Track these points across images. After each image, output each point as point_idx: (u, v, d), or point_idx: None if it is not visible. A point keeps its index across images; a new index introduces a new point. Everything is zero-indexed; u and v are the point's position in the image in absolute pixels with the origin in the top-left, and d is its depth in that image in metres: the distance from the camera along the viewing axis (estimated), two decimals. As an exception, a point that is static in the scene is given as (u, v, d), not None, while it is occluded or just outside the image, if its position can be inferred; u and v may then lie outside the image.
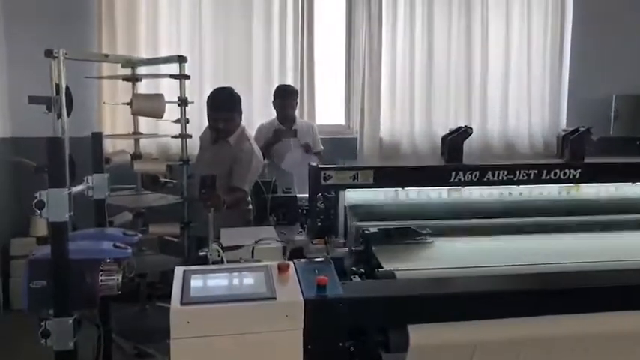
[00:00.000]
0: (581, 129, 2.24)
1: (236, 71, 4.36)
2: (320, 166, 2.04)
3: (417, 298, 1.60)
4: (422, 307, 1.59)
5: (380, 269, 1.76)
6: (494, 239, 2.08)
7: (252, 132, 3.94)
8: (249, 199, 2.87)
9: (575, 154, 2.20)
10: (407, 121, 4.71)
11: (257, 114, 4.34)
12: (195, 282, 1.56)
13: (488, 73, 4.84)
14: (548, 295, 1.73)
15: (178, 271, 1.62)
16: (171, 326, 1.44)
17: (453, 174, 2.07)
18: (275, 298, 1.52)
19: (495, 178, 2.10)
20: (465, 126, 2.17)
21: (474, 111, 4.82)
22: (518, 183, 2.12)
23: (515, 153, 4.89)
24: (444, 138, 2.19)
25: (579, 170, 2.14)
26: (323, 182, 2.01)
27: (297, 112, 4.11)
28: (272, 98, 4.01)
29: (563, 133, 2.30)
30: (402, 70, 4.69)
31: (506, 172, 2.10)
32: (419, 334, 1.57)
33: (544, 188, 2.21)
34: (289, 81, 4.39)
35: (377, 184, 2.03)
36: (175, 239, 3.01)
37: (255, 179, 2.73)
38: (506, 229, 2.13)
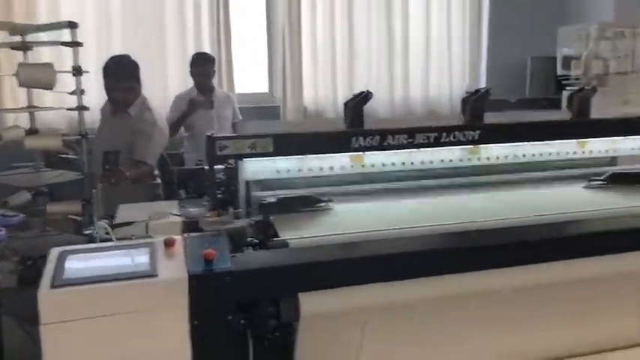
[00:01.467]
0: (482, 90, 2.26)
1: (147, 39, 4.16)
2: (215, 135, 1.96)
3: (306, 266, 1.57)
4: (312, 275, 1.57)
5: (274, 239, 1.73)
6: (398, 202, 2.08)
7: (168, 103, 3.79)
8: (156, 172, 2.76)
9: (474, 115, 2.22)
10: (330, 88, 4.67)
11: (173, 84, 4.17)
12: (71, 263, 1.47)
13: (409, 38, 4.85)
14: (443, 254, 1.75)
15: (54, 252, 1.52)
16: (41, 312, 1.35)
17: (354, 139, 2.04)
18: (156, 276, 1.45)
19: (395, 142, 2.08)
20: (367, 91, 2.14)
21: (395, 76, 4.83)
22: (419, 146, 2.12)
23: (438, 118, 4.96)
24: (345, 104, 2.15)
25: (478, 132, 2.16)
26: (218, 152, 1.93)
27: (215, 82, 3.98)
28: (189, 67, 3.86)
29: (465, 95, 2.31)
30: (323, 37, 4.62)
31: (406, 136, 2.09)
32: (310, 303, 1.55)
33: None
34: (206, 49, 4.24)
35: (277, 152, 1.97)
36: (78, 217, 2.87)
37: (161, 151, 2.62)
38: (409, 192, 2.14)
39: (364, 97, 2.11)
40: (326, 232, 1.80)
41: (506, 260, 1.80)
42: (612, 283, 1.97)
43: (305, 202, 1.92)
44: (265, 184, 2.08)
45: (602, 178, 2.24)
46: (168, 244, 1.58)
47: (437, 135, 2.13)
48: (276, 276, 1.56)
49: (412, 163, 2.17)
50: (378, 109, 4.78)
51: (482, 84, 5.19)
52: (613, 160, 2.51)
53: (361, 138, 2.05)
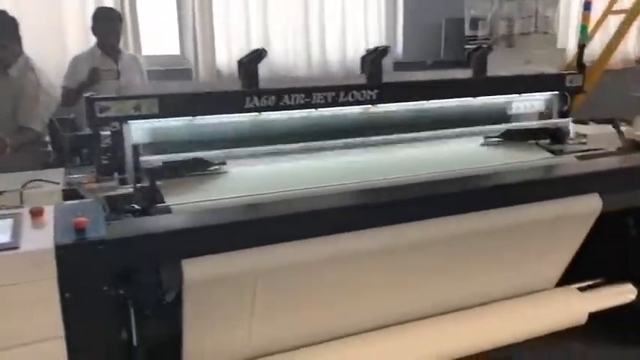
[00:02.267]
0: (380, 49, 2.23)
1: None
2: (95, 96, 1.83)
3: (187, 231, 1.51)
4: (193, 240, 1.51)
5: (157, 205, 1.64)
6: (296, 164, 2.03)
7: (66, 64, 3.53)
8: (47, 139, 2.57)
9: (373, 74, 2.19)
10: (244, 50, 4.49)
11: (72, 44, 3.88)
12: None
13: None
14: (339, 212, 1.73)
15: None
16: None
17: (248, 99, 1.96)
18: (17, 248, 1.34)
19: (292, 102, 2.03)
20: (261, 48, 2.06)
21: (312, 38, 4.74)
22: (316, 106, 2.07)
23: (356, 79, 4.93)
24: (239, 62, 2.06)
25: (376, 91, 2.14)
26: (99, 114, 1.81)
27: (121, 43, 3.73)
28: (90, 24, 3.59)
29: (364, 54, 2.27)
30: (235, -6, 4.44)
31: (303, 96, 2.04)
32: (193, 269, 1.49)
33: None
34: (108, 4, 3.96)
35: (163, 113, 1.87)
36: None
37: (50, 116, 2.43)
38: (307, 153, 2.09)
39: (258, 54, 2.03)
40: (215, 196, 1.74)
41: (404, 216, 1.81)
42: (512, 234, 2.04)
43: (195, 166, 1.84)
44: (160, 148, 1.97)
45: (497, 135, 2.29)
46: (35, 213, 1.46)
47: (334, 94, 2.09)
48: (155, 243, 1.48)
49: (310, 124, 2.13)
50: (295, 71, 4.70)
51: (399, 46, 5.20)
52: (510, 117, 2.57)
53: (255, 98, 1.98)
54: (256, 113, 2.01)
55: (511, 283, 2.18)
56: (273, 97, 1.99)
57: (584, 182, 2.03)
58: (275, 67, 4.51)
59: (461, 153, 2.22)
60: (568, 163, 2.12)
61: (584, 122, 3.07)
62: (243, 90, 1.98)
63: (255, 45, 4.53)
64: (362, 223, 1.75)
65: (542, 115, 2.60)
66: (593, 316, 2.25)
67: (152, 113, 1.84)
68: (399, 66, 4.86)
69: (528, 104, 2.52)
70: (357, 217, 1.76)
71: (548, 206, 1.97)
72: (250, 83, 2.00)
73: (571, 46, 5.42)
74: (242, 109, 1.97)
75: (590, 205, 2.05)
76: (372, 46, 5.09)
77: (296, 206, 1.69)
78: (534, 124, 2.38)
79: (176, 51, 4.50)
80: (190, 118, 1.94)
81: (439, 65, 5.05)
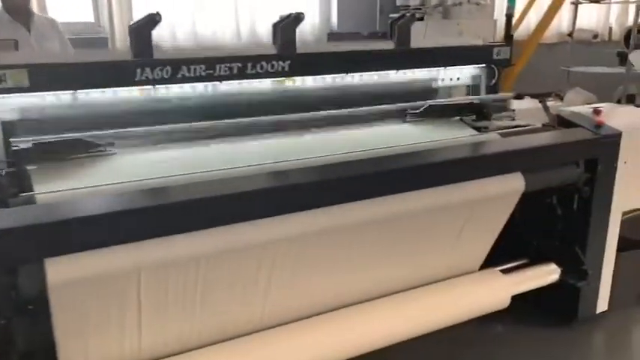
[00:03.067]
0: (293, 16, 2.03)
1: None
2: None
3: (53, 226, 1.29)
4: (59, 236, 1.29)
5: (20, 195, 1.41)
6: (197, 145, 1.82)
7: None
8: None
9: (285, 44, 1.99)
10: (167, 16, 4.20)
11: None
12: None
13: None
14: (242, 198, 1.55)
15: None
16: None
17: (139, 71, 1.73)
18: None
19: (192, 74, 1.81)
20: (155, 12, 1.82)
21: (241, 7, 4.47)
22: (220, 79, 1.86)
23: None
24: (129, 28, 1.82)
25: (288, 62, 1.95)
26: (-46, 88, 1.54)
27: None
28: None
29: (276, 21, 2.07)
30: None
31: (203, 67, 1.82)
32: (58, 269, 1.28)
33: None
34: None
35: (34, 87, 1.61)
36: None
37: None
38: (211, 132, 1.88)
39: (151, 19, 1.79)
40: (97, 182, 1.52)
41: (315, 201, 1.65)
42: (430, 216, 1.91)
43: (75, 148, 1.60)
44: (41, 128, 1.71)
45: (419, 111, 2.15)
46: None
47: (241, 66, 1.88)
48: (9, 240, 1.26)
49: (214, 100, 1.92)
50: (223, 44, 4.43)
51: (334, 17, 5.00)
52: (435, 91, 2.45)
53: (148, 69, 1.75)
54: (150, 87, 1.79)
55: (433, 268, 2.08)
56: (168, 69, 1.77)
57: (505, 161, 1.92)
58: (201, 38, 4.23)
59: (380, 131, 2.07)
60: (489, 141, 2.00)
61: (520, 97, 3.00)
62: (132, 60, 1.75)
63: (181, 12, 4.24)
64: (265, 210, 1.58)
65: (471, 90, 2.50)
66: (520, 298, 2.20)
67: (21, 86, 1.59)
68: (333, 37, 4.67)
69: (454, 78, 2.40)
70: (261, 204, 1.58)
71: (468, 187, 1.86)
72: (142, 52, 1.77)
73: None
74: (132, 82, 1.74)
75: (513, 185, 1.95)
76: (306, 20, 4.88)
77: (187, 193, 1.50)
78: (458, 99, 2.26)
79: (90, 18, 4.14)
80: (72, 92, 1.69)
81: (375, 37, 4.90)
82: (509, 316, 2.25)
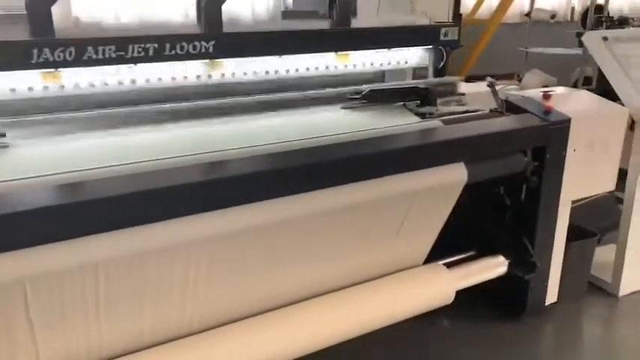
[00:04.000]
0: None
1: None
2: None
3: None
4: None
5: None
6: (103, 135, 1.63)
7: None
8: None
9: (209, 22, 1.81)
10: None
11: None
12: None
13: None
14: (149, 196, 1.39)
15: None
16: None
17: (35, 52, 1.54)
18: None
19: (100, 56, 1.62)
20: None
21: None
22: (133, 61, 1.68)
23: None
24: (25, 2, 1.62)
25: (212, 42, 1.77)
26: None
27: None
28: None
29: None
30: None
31: (113, 48, 1.63)
32: None
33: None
34: None
35: None
36: None
37: None
38: (122, 120, 1.68)
39: (52, -6, 1.60)
40: None
41: (241, 196, 1.50)
42: (370, 209, 1.78)
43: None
44: None
45: (358, 96, 2.00)
46: None
47: (157, 46, 1.70)
48: None
49: (124, 84, 1.72)
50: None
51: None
52: (380, 76, 2.30)
53: (47, 50, 1.55)
54: (51, 70, 1.59)
55: (374, 263, 1.96)
56: (72, 50, 1.58)
57: (446, 150, 1.80)
58: (147, 19, 3.96)
59: (314, 119, 1.91)
60: (430, 129, 1.87)
61: (470, 80, 2.88)
62: (30, 40, 1.55)
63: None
64: (181, 208, 1.42)
65: (417, 73, 2.36)
66: (467, 291, 2.10)
67: None
68: (287, 15, 4.45)
69: (400, 60, 2.25)
70: (176, 201, 1.42)
71: (406, 178, 1.73)
72: (40, 31, 1.58)
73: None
74: (28, 65, 1.54)
75: (454, 176, 1.83)
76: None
77: (84, 192, 1.33)
78: (399, 83, 2.12)
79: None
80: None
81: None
82: (456, 311, 2.16)
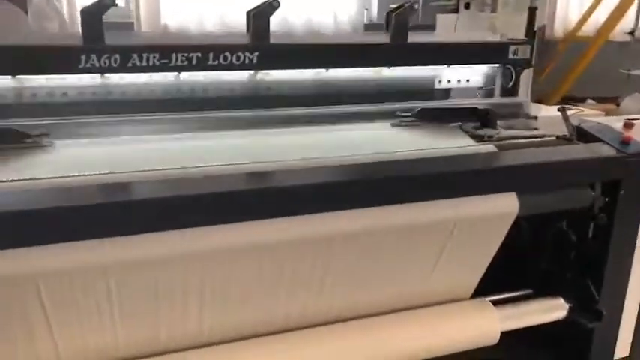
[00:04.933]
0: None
1: None
2: None
3: None
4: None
5: None
6: (151, 140, 1.67)
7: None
8: None
9: (257, 33, 1.80)
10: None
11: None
12: None
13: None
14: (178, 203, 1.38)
15: None
16: None
17: (84, 57, 1.60)
18: None
19: (144, 63, 1.67)
20: (109, -5, 1.68)
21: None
22: (176, 69, 1.71)
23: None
24: (81, 10, 1.69)
25: (257, 53, 1.76)
26: None
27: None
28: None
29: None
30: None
31: (157, 56, 1.67)
32: None
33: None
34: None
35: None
36: None
37: None
38: (170, 126, 1.72)
39: (103, 3, 1.66)
40: (20, 176, 1.39)
41: (282, 209, 1.45)
42: (403, 235, 1.67)
43: (2, 138, 1.49)
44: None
45: (411, 114, 1.90)
46: None
47: (200, 56, 1.71)
48: None
49: (174, 90, 1.76)
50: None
51: (375, 5, 4.73)
52: (442, 93, 2.18)
53: (94, 56, 1.62)
54: (98, 75, 1.66)
55: (410, 294, 1.83)
56: (117, 57, 1.63)
57: (495, 179, 1.64)
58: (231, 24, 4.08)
59: (359, 135, 1.83)
60: (481, 154, 1.72)
61: (575, 101, 2.65)
62: (77, 46, 1.62)
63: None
64: (216, 217, 1.39)
65: (482, 93, 2.21)
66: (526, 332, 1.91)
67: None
68: (370, 27, 4.42)
69: (462, 78, 2.12)
70: (213, 209, 1.39)
71: (446, 205, 1.60)
72: (92, 38, 1.64)
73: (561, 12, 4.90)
74: (76, 70, 1.61)
75: (503, 207, 1.67)
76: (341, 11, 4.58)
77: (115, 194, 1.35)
78: (455, 102, 1.98)
79: (121, 1, 4.11)
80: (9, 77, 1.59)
81: (418, 29, 4.59)
82: (507, 354, 1.98)
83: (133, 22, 3.97)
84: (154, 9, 3.94)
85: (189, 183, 1.45)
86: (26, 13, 3.11)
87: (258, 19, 1.79)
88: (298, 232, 1.53)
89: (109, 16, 4.07)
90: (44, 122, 1.56)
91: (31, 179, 1.39)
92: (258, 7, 1.80)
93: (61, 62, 1.60)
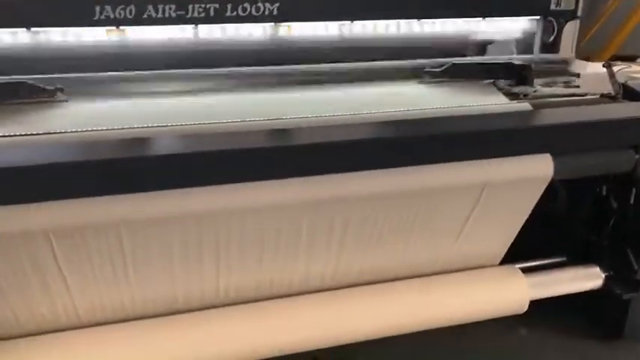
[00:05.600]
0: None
1: None
2: None
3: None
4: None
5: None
6: (168, 95, 1.63)
7: None
8: None
9: (277, -16, 1.71)
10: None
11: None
12: None
13: None
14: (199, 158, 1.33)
15: None
16: None
17: (98, 9, 1.55)
18: None
19: (160, 15, 1.60)
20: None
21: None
22: (193, 21, 1.64)
23: None
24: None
25: (277, 4, 1.67)
26: None
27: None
28: None
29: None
30: None
31: (174, 7, 1.60)
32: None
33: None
34: None
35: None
36: None
37: None
38: (186, 81, 1.67)
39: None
40: (33, 130, 1.37)
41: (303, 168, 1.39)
42: (432, 197, 1.60)
43: (14, 92, 1.47)
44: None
45: (440, 70, 1.79)
46: None
47: (218, 7, 1.64)
48: None
49: (191, 45, 1.70)
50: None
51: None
52: (477, 49, 2.04)
53: (109, 8, 1.56)
54: (112, 28, 1.61)
55: (437, 258, 1.77)
56: (131, 8, 1.57)
57: (526, 139, 1.53)
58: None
59: (387, 93, 1.74)
60: (513, 112, 1.61)
61: (587, 59, 2.49)
62: (92, -4, 1.57)
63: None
64: (234, 175, 1.34)
65: (520, 48, 2.07)
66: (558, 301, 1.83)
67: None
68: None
69: (498, 32, 1.98)
70: (231, 166, 1.33)
71: (473, 166, 1.51)
72: (105, -12, 1.58)
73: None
74: (89, 22, 1.56)
75: (536, 169, 1.56)
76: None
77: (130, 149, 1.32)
78: (487, 58, 1.86)
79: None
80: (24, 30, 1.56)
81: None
82: (539, 321, 1.91)
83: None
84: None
85: (207, 139, 1.40)
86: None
87: (278, -33, 1.69)
88: (320, 191, 1.47)
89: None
90: (58, 76, 1.53)
91: (44, 133, 1.37)
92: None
93: (74, 14, 1.55)
